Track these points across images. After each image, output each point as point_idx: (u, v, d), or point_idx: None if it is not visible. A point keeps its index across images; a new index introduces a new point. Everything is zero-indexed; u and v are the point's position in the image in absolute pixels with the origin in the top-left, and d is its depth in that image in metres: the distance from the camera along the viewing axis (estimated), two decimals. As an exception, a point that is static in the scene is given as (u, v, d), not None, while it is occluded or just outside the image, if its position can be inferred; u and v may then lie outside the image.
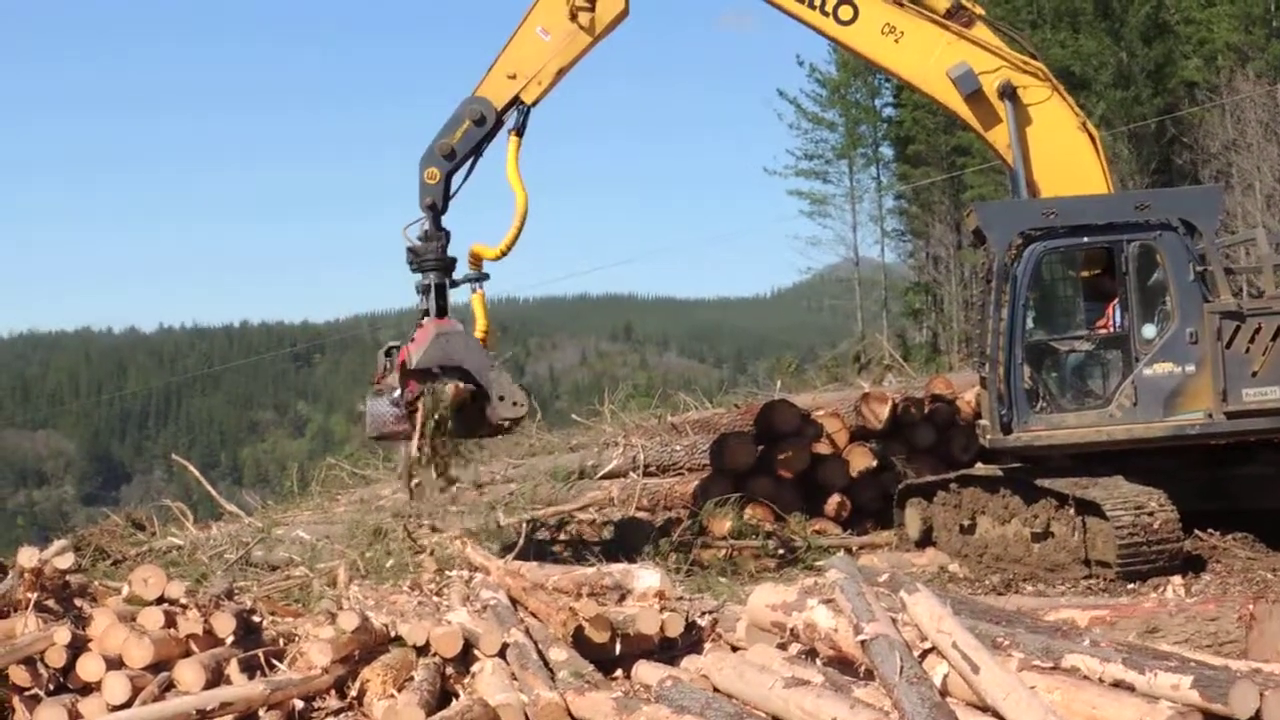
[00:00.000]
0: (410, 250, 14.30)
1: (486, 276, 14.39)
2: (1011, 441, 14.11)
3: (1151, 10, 51.91)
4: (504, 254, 14.43)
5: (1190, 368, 13.94)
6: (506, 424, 14.27)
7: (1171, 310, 14.05)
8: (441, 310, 14.21)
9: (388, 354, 14.55)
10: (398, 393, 14.02)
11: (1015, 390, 14.04)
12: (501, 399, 13.93)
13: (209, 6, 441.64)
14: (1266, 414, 13.84)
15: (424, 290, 14.24)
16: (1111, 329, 14.37)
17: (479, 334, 14.26)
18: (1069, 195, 14.64)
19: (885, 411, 17.85)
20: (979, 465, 16.34)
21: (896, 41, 15.05)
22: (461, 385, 13.80)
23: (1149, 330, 14.10)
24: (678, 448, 17.66)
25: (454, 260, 14.38)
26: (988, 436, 14.40)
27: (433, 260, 14.22)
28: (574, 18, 14.48)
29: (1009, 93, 14.89)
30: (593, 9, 14.50)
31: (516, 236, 14.38)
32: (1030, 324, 14.31)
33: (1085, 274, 14.86)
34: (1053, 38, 50.26)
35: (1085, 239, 14.34)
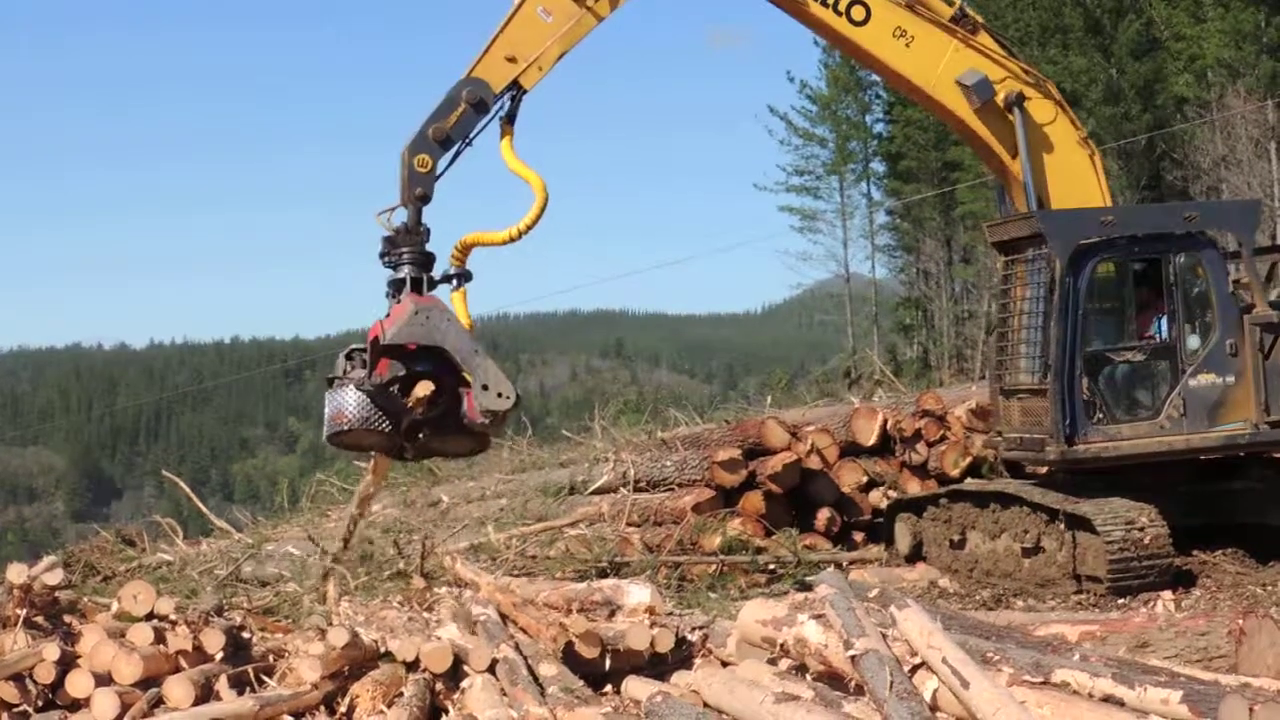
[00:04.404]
0: (387, 240, 12.92)
1: (469, 275, 13.18)
2: (1080, 453, 13.95)
3: (1141, 27, 52.12)
4: (521, 235, 13.16)
5: (1230, 378, 14.00)
6: (487, 420, 12.46)
7: (1213, 322, 14.11)
8: (419, 291, 12.72)
9: (349, 357, 12.80)
10: (363, 373, 12.30)
11: (1075, 402, 13.97)
12: (486, 388, 12.24)
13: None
14: None
15: (398, 284, 12.76)
16: (1157, 340, 14.35)
17: None
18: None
19: (875, 427, 17.86)
20: (969, 480, 16.34)
21: (907, 45, 14.80)
22: (428, 382, 12.21)
23: (1194, 341, 14.13)
24: (668, 463, 17.61)
25: (433, 256, 13.07)
26: (1048, 449, 14.08)
27: (411, 254, 12.83)
28: None
29: (1018, 103, 14.82)
30: None
31: (538, 217, 13.16)
32: (1083, 335, 14.18)
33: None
34: (1041, 55, 50.33)
35: (1137, 250, 14.33)
